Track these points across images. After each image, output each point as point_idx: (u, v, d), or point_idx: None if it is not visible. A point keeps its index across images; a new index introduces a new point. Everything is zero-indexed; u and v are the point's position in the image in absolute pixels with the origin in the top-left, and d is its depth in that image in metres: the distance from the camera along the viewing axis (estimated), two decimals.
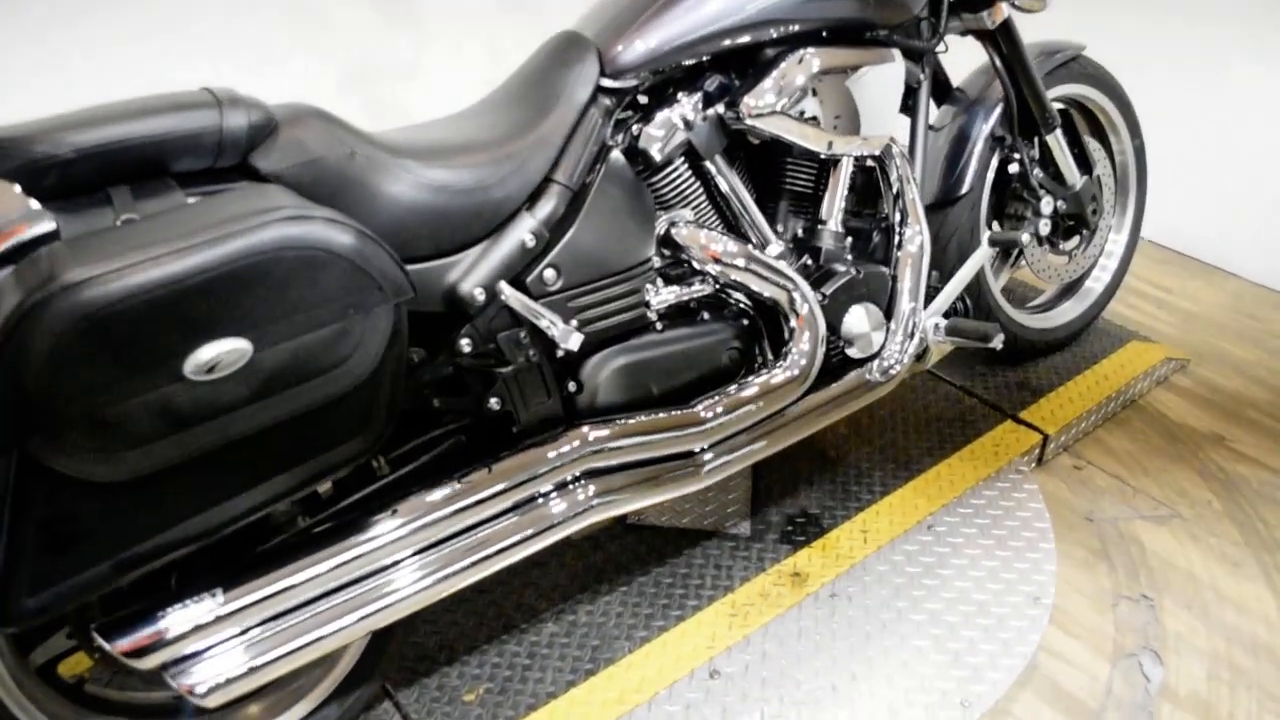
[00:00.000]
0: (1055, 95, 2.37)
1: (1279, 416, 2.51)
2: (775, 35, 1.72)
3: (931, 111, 2.27)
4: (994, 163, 2.29)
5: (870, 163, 1.91)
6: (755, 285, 1.70)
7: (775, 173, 1.87)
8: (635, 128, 1.67)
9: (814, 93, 1.81)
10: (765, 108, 1.69)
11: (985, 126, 2.25)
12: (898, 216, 1.91)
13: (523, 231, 1.50)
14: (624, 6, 1.67)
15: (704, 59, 1.70)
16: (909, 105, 2.04)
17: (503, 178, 1.47)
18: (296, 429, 1.20)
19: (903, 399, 2.43)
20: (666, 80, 1.70)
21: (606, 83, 1.62)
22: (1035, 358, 2.59)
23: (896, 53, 1.89)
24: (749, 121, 1.68)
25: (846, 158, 1.84)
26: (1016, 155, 2.29)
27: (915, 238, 1.90)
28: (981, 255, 1.97)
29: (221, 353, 1.10)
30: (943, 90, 2.34)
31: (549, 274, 1.54)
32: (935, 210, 2.27)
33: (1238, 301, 3.03)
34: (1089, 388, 2.48)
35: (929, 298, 1.97)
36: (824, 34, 1.79)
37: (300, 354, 1.16)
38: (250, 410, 1.15)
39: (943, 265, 2.21)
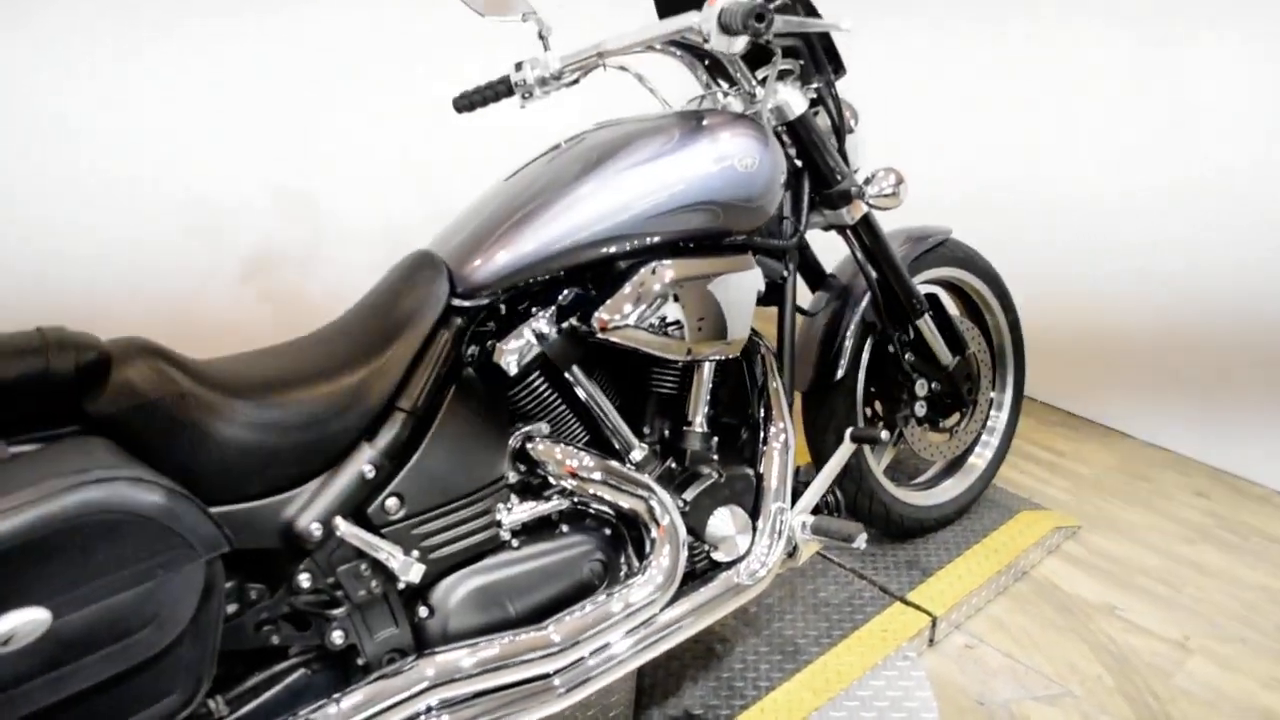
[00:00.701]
0: (926, 279, 2.44)
1: (1169, 583, 2.53)
2: (629, 249, 1.71)
3: (807, 296, 2.33)
4: (868, 347, 2.33)
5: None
6: (612, 497, 1.69)
7: (639, 375, 1.87)
8: (489, 343, 1.67)
9: (676, 298, 1.81)
10: (619, 320, 1.68)
11: (856, 313, 2.29)
12: (763, 413, 1.93)
13: (361, 463, 1.48)
14: (476, 225, 1.68)
15: (559, 273, 1.71)
16: (774, 300, 2.07)
17: (340, 410, 1.45)
18: (104, 692, 1.16)
19: (792, 583, 2.41)
20: (523, 293, 1.71)
21: (458, 302, 1.61)
22: (922, 535, 2.59)
23: (751, 258, 1.89)
24: (602, 335, 1.67)
25: (709, 360, 1.86)
26: (889, 339, 2.33)
27: (780, 434, 1.91)
28: (845, 451, 1.99)
29: (17, 625, 1.06)
30: (816, 275, 2.40)
31: (391, 503, 1.52)
32: (813, 397, 2.30)
33: (1128, 462, 3.09)
34: (979, 563, 2.49)
35: (800, 491, 1.98)
36: (681, 243, 1.81)
37: (105, 618, 1.13)
38: (50, 680, 1.11)
39: (821, 452, 2.23)
